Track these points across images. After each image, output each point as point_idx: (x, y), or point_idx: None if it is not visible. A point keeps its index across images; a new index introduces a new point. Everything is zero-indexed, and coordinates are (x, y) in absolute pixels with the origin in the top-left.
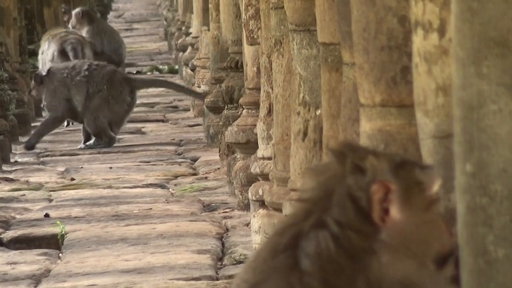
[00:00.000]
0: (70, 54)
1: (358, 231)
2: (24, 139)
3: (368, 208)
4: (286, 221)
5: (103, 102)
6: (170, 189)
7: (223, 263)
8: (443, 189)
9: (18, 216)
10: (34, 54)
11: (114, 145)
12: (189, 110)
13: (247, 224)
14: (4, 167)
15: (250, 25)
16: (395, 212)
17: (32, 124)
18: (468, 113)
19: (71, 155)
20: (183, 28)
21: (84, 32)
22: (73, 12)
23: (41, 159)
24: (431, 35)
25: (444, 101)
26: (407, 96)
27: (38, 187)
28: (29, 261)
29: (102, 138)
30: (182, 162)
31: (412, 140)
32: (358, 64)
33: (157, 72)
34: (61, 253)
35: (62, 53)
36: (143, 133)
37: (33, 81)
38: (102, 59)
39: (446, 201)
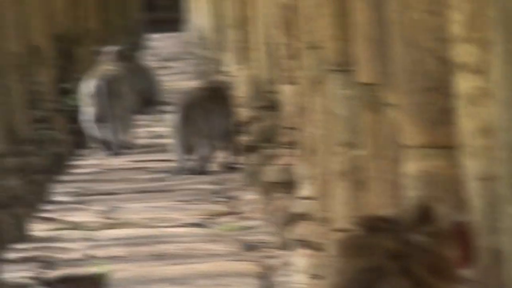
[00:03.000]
0: (100, 91)
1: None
2: (62, 178)
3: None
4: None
5: None
6: (210, 228)
7: None
8: (488, 230)
9: (57, 256)
10: (69, 93)
11: (153, 184)
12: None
13: (288, 264)
14: (43, 207)
15: (288, 65)
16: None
17: (70, 163)
18: None
19: (109, 194)
20: (218, 66)
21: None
22: (108, 50)
23: (80, 198)
24: (472, 76)
25: (487, 142)
26: (450, 137)
27: (77, 226)
28: None
29: None
30: (222, 201)
31: (455, 181)
32: (400, 105)
33: None
34: None
35: (97, 89)
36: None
37: None
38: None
39: (491, 242)
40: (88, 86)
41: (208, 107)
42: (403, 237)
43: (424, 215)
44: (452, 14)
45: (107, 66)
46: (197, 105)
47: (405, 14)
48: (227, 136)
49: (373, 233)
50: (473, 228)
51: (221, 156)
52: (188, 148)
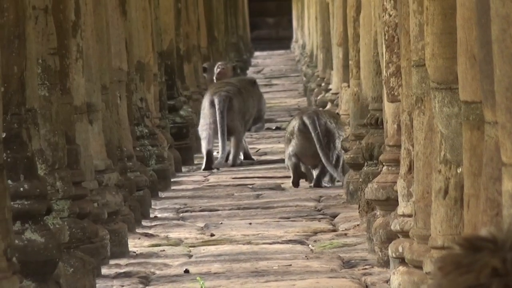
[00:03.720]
0: (217, 106)
1: None
2: (164, 194)
3: None
4: None
5: None
6: (310, 245)
7: None
8: None
9: (157, 272)
10: (174, 109)
11: (254, 201)
12: None
13: (387, 281)
14: (144, 223)
15: (391, 82)
16: None
17: (172, 180)
18: None
19: (210, 210)
20: (323, 84)
21: None
22: (228, 66)
23: (181, 214)
24: None
25: None
26: None
27: (178, 242)
28: None
29: None
30: (322, 218)
31: None
32: (501, 123)
33: None
34: None
35: (212, 104)
36: (283, 189)
37: None
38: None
39: None
40: (206, 99)
41: (324, 131)
42: (506, 256)
43: None
44: None
45: (217, 79)
46: (320, 114)
47: (508, 32)
48: (334, 155)
49: (474, 251)
50: None
51: (325, 174)
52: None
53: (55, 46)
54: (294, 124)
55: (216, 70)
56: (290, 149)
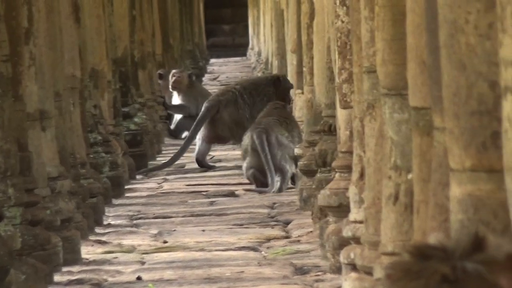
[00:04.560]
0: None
1: None
2: (117, 201)
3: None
4: None
5: None
6: (263, 252)
7: None
8: None
9: (110, 279)
10: (128, 116)
11: (207, 208)
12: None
13: (339, 287)
14: (97, 230)
15: (344, 89)
16: None
17: (126, 187)
18: None
19: (164, 217)
20: None
21: (181, 94)
22: (184, 74)
23: (134, 221)
24: None
25: None
26: (497, 161)
27: (131, 249)
28: None
29: None
30: (275, 225)
31: (502, 205)
32: (449, 129)
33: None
34: None
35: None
36: (236, 196)
37: None
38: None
39: None
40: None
41: (280, 132)
42: (456, 263)
43: (477, 244)
44: (503, 37)
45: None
46: (270, 129)
47: (456, 38)
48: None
49: (424, 259)
50: None
51: (277, 180)
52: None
53: (7, 53)
54: (247, 142)
55: (171, 78)
56: (248, 165)
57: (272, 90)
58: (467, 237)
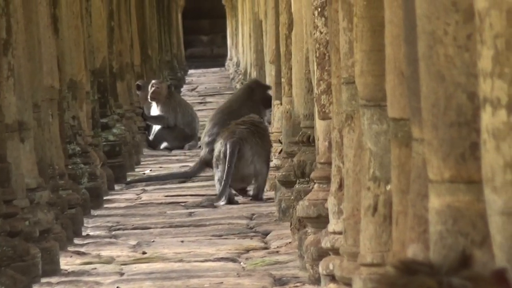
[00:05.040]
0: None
1: None
2: (96, 212)
3: None
4: None
5: None
6: (241, 263)
7: None
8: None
9: None
10: (107, 127)
11: (186, 219)
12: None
13: None
14: (76, 241)
15: (322, 100)
16: None
17: (105, 198)
18: None
19: (143, 228)
20: None
21: (160, 105)
22: (163, 85)
23: (113, 232)
24: (500, 111)
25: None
26: (476, 172)
27: (110, 260)
28: None
29: None
30: (254, 236)
31: (481, 216)
32: (427, 140)
33: None
34: None
35: None
36: (215, 207)
37: None
38: (175, 133)
39: None
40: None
41: (252, 142)
42: (443, 279)
43: (463, 260)
44: (482, 49)
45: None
46: (243, 140)
47: (434, 49)
48: (264, 170)
49: (410, 274)
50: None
51: (256, 190)
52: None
53: None
54: (220, 149)
55: (151, 88)
56: (219, 174)
57: (250, 104)
58: (454, 254)
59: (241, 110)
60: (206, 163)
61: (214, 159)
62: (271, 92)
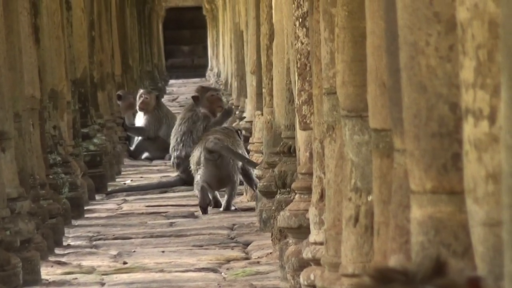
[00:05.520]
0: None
1: None
2: (77, 222)
3: None
4: None
5: None
6: (222, 273)
7: None
8: (492, 276)
9: None
10: (87, 137)
11: (167, 229)
12: (242, 194)
13: None
14: (57, 251)
15: (303, 110)
16: None
17: (85, 207)
18: None
19: (123, 238)
20: (237, 112)
21: (148, 115)
22: (152, 95)
23: (94, 242)
24: (482, 122)
25: (494, 188)
26: (458, 183)
27: (90, 270)
28: None
29: None
30: (235, 246)
31: (463, 227)
32: (409, 151)
33: None
34: None
35: None
36: (196, 217)
37: None
38: (156, 143)
39: None
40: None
41: (228, 142)
42: (418, 287)
43: (438, 268)
44: (464, 59)
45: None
46: (220, 140)
47: (416, 60)
48: (245, 179)
49: (386, 283)
50: (487, 282)
51: (237, 201)
52: (212, 189)
53: None
54: (199, 154)
55: (139, 98)
56: (198, 177)
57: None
58: (429, 261)
59: (195, 124)
60: (183, 181)
61: (193, 167)
62: (218, 94)
